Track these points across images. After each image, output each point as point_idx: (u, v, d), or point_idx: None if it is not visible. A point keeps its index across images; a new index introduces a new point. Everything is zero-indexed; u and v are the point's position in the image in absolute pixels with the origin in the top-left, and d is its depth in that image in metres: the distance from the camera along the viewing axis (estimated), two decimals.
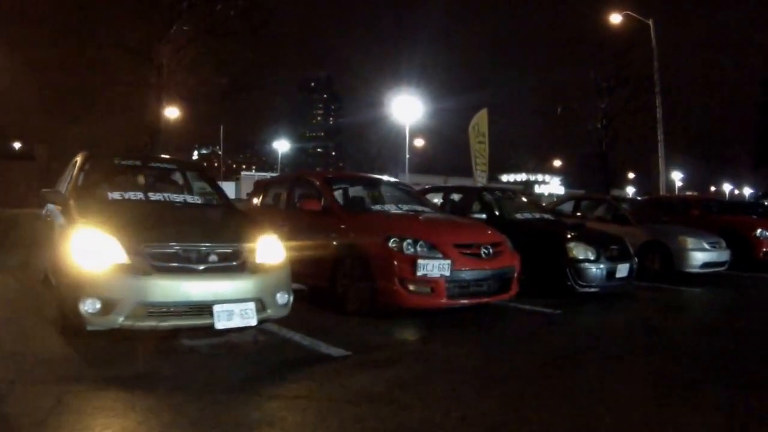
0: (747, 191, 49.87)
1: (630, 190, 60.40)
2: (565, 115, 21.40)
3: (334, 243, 6.55)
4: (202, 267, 4.47)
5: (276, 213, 8.08)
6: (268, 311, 4.70)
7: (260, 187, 8.85)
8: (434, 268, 5.71)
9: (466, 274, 5.96)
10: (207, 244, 4.59)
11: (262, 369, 4.21)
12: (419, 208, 7.43)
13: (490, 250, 6.18)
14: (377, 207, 7.20)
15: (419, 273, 5.68)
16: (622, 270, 7.78)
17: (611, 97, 21.08)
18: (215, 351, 4.62)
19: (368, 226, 6.42)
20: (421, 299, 5.81)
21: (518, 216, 8.65)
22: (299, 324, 5.23)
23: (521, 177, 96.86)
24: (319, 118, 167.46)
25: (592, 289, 7.53)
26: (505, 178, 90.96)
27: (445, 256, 5.82)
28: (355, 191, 7.88)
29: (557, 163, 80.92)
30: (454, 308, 6.08)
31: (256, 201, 8.59)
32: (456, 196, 9.40)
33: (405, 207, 7.30)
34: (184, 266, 4.41)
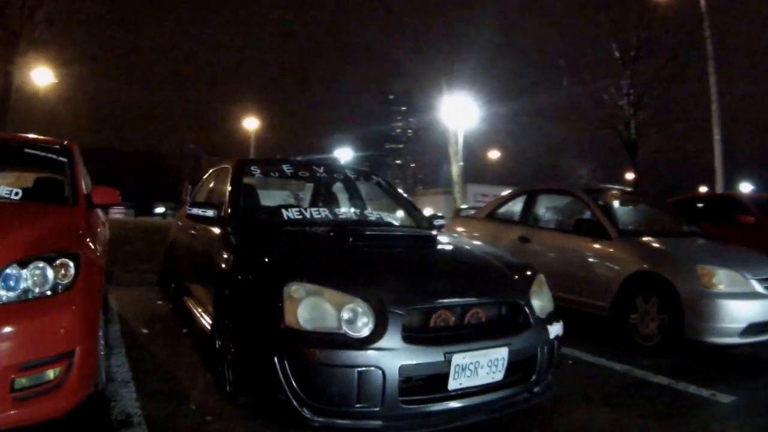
0: None
1: None
2: (577, 90, 15.34)
3: None
4: None
5: None
6: None
7: None
8: None
9: None
10: None
11: None
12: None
13: None
14: None
15: None
16: (483, 370, 2.63)
17: (636, 65, 14.75)
18: None
19: None
20: None
21: (284, 215, 3.64)
22: None
23: None
24: (398, 130, 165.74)
25: (366, 424, 2.43)
26: None
27: None
28: None
29: (629, 176, 71.48)
30: None
31: None
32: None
33: None
34: None
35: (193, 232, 4.48)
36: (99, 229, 4.05)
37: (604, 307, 4.97)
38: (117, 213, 32.21)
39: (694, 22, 13.37)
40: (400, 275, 2.81)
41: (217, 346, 3.25)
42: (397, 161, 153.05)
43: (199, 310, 4.01)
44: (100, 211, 4.58)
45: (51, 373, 2.32)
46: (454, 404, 2.62)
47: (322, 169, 4.40)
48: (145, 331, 4.67)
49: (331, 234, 3.32)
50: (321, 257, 2.93)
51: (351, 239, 3.16)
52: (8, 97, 14.49)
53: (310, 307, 2.49)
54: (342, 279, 2.62)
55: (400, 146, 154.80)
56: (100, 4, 15.85)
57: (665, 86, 14.25)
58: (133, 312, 5.37)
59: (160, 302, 5.84)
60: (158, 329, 4.75)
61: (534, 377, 2.92)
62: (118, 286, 6.58)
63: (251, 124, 43.68)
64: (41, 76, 18.33)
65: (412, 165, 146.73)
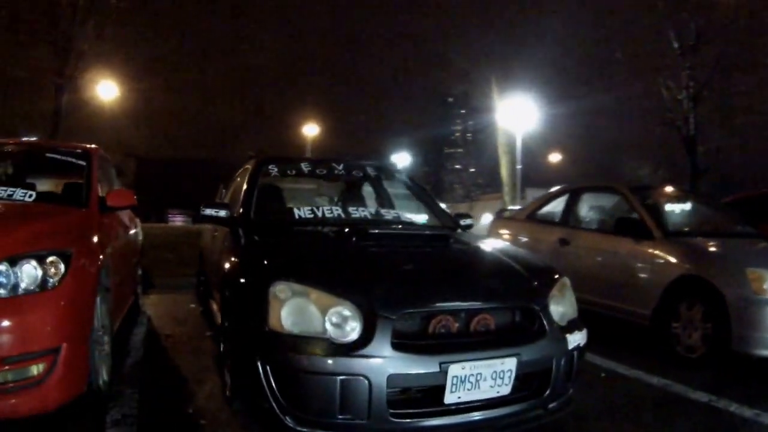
0: None
1: None
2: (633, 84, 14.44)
3: None
4: None
5: None
6: None
7: None
8: None
9: None
10: None
11: None
12: None
13: None
14: None
15: None
16: (486, 383, 2.42)
17: (695, 57, 13.72)
18: None
19: None
20: None
21: (295, 214, 3.57)
22: None
23: None
24: (457, 134, 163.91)
25: None
26: None
27: None
28: None
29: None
30: None
31: None
32: None
33: None
34: None
35: (215, 234, 4.47)
36: (118, 231, 4.09)
37: (646, 315, 4.62)
38: (178, 221, 33.36)
39: (756, 4, 12.42)
40: (399, 277, 2.64)
41: (221, 348, 3.19)
42: (456, 166, 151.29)
43: (217, 312, 3.98)
44: (125, 215, 4.64)
45: (34, 369, 2.33)
46: (451, 419, 2.41)
47: (341, 167, 4.28)
48: (169, 333, 4.70)
49: (335, 233, 3.19)
50: (314, 257, 2.80)
51: (355, 239, 3.02)
52: (60, 109, 15.15)
53: (295, 309, 2.36)
54: (332, 280, 2.48)
55: (459, 150, 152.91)
56: (165, 11, 16.51)
57: (726, 77, 13.29)
58: (165, 315, 5.44)
59: (193, 305, 5.90)
60: (184, 331, 4.77)
61: (548, 392, 2.66)
62: (159, 290, 6.71)
63: (311, 130, 44.26)
64: (106, 89, 19.21)
65: (471, 170, 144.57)
